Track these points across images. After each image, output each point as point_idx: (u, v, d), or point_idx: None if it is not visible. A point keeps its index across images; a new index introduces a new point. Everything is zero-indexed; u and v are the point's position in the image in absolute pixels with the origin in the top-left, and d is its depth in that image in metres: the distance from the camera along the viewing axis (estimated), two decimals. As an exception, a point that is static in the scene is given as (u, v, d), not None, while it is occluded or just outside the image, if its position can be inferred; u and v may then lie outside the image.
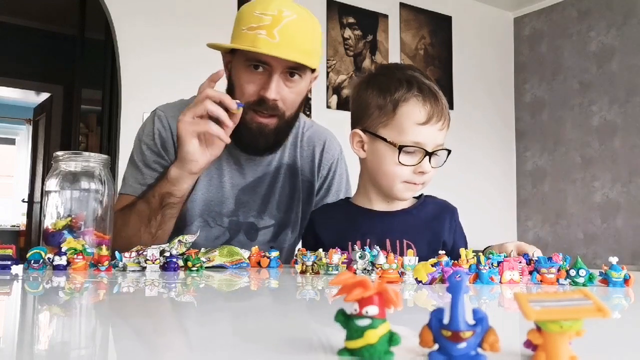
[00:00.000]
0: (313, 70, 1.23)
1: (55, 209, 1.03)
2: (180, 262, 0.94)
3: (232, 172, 1.30)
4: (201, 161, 1.13)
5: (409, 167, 1.07)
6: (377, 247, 0.91)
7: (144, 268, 0.93)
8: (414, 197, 1.20)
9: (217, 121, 1.10)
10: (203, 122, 1.09)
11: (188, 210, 1.26)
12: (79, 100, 4.53)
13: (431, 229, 1.15)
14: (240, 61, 1.18)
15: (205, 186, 1.28)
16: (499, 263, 0.83)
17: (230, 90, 1.22)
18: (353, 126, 1.16)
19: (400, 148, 1.06)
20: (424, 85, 1.08)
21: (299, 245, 1.35)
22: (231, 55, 1.22)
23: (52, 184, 1.03)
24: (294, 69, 1.17)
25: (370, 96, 1.11)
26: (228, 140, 1.12)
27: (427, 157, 1.07)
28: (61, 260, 0.90)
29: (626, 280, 0.78)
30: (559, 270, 0.82)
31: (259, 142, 1.22)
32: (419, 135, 1.06)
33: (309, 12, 1.21)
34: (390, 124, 1.08)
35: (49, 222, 1.02)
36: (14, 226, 6.70)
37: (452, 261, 0.86)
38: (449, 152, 1.11)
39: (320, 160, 1.39)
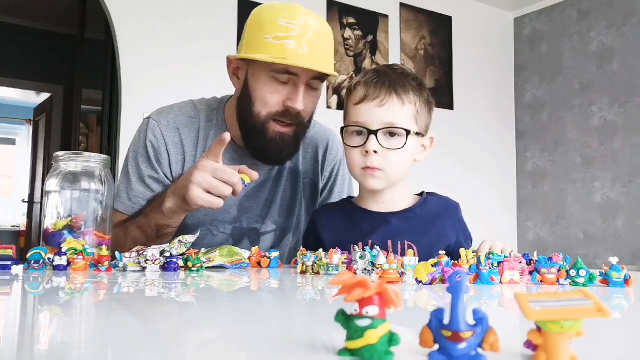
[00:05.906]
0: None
1: (55, 209, 1.03)
2: (180, 262, 0.94)
3: None
4: (200, 207, 1.11)
5: (357, 148, 1.08)
6: (377, 247, 0.91)
7: (144, 268, 0.93)
8: (415, 195, 1.19)
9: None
10: (215, 198, 1.08)
11: (190, 219, 1.25)
12: (79, 100, 4.53)
13: (434, 227, 1.14)
14: (262, 70, 1.15)
15: None
16: (499, 263, 0.83)
17: (246, 98, 1.19)
18: None
19: (342, 129, 1.11)
20: (380, 72, 1.09)
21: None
22: (244, 62, 1.19)
23: (52, 184, 1.03)
24: (316, 77, 1.17)
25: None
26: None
27: (373, 137, 1.05)
28: (61, 260, 0.90)
29: (626, 280, 0.78)
30: (559, 270, 0.82)
31: (282, 151, 1.21)
32: (357, 115, 1.08)
33: (324, 20, 1.21)
34: (345, 114, 1.14)
35: (49, 222, 1.02)
36: (14, 226, 6.70)
37: (452, 261, 0.86)
38: (408, 132, 1.06)
39: (323, 161, 1.39)
